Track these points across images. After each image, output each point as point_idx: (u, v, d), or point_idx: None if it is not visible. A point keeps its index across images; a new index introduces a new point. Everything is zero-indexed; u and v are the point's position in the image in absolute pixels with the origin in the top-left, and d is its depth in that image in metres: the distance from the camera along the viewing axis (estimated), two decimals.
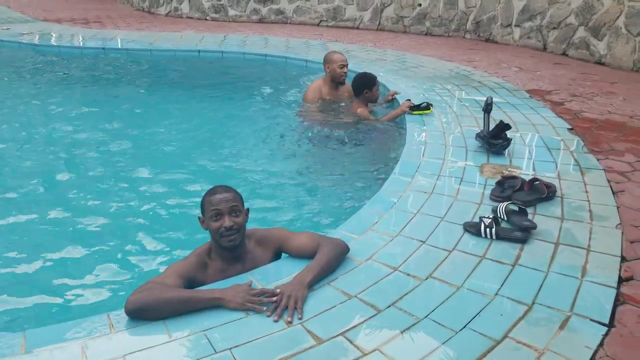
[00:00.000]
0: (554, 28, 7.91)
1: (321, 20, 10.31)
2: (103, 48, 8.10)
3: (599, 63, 7.22)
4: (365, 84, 5.13)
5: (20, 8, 11.81)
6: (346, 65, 5.32)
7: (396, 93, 5.53)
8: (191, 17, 10.92)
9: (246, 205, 2.57)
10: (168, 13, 11.17)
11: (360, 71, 5.37)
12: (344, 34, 9.38)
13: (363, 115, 5.06)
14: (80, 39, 8.70)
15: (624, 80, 6.37)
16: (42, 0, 13.31)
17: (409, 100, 5.12)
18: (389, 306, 2.27)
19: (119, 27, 9.75)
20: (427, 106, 4.97)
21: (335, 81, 5.34)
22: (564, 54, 7.74)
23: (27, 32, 9.05)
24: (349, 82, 5.37)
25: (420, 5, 9.60)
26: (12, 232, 3.38)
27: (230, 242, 2.41)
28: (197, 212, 2.61)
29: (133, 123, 5.38)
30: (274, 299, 2.23)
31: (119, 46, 8.25)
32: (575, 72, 6.75)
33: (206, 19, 10.78)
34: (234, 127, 5.28)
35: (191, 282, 2.36)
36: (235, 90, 6.55)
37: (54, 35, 8.99)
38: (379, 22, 9.96)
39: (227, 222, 2.38)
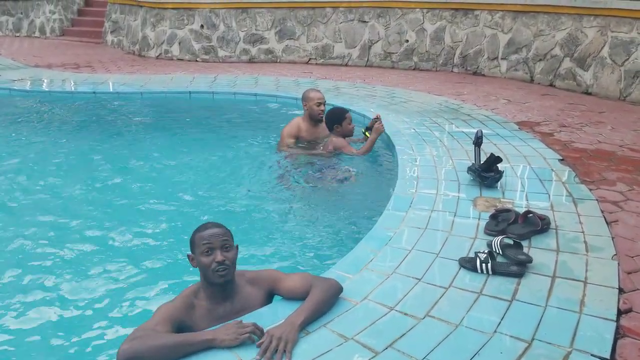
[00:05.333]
0: (540, 60, 8.03)
1: (310, 59, 10.42)
2: (94, 92, 8.11)
3: (586, 93, 7.31)
4: (335, 119, 5.14)
5: (12, 55, 11.87)
6: (323, 103, 5.30)
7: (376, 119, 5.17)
8: (182, 59, 11.01)
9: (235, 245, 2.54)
10: (159, 56, 11.26)
11: (348, 107, 5.36)
12: (333, 71, 9.48)
13: (337, 145, 5.06)
14: (72, 83, 8.73)
15: (612, 109, 6.45)
16: (33, 47, 13.40)
17: (377, 119, 5.12)
18: (387, 347, 2.22)
19: (109, 70, 9.82)
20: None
21: (314, 119, 5.34)
22: (551, 85, 7.84)
23: (18, 79, 9.09)
24: None
25: (407, 41, 9.74)
26: None
27: (221, 278, 2.38)
28: (185, 251, 2.56)
29: (123, 166, 5.36)
30: (262, 339, 2.19)
31: (110, 90, 8.27)
32: (563, 102, 6.83)
33: (197, 61, 10.87)
34: (219, 168, 5.24)
35: (180, 325, 2.32)
36: (224, 131, 6.54)
37: (45, 80, 9.02)
38: (368, 59, 10.08)
39: (219, 256, 2.36)
